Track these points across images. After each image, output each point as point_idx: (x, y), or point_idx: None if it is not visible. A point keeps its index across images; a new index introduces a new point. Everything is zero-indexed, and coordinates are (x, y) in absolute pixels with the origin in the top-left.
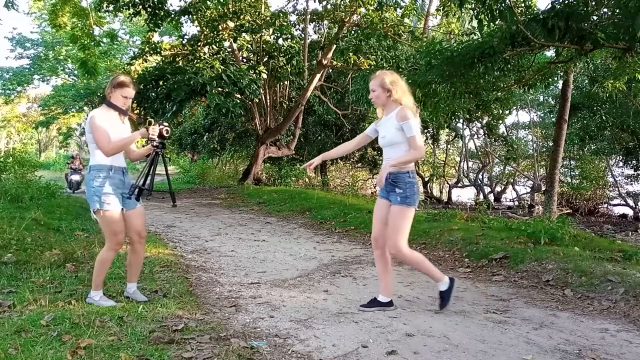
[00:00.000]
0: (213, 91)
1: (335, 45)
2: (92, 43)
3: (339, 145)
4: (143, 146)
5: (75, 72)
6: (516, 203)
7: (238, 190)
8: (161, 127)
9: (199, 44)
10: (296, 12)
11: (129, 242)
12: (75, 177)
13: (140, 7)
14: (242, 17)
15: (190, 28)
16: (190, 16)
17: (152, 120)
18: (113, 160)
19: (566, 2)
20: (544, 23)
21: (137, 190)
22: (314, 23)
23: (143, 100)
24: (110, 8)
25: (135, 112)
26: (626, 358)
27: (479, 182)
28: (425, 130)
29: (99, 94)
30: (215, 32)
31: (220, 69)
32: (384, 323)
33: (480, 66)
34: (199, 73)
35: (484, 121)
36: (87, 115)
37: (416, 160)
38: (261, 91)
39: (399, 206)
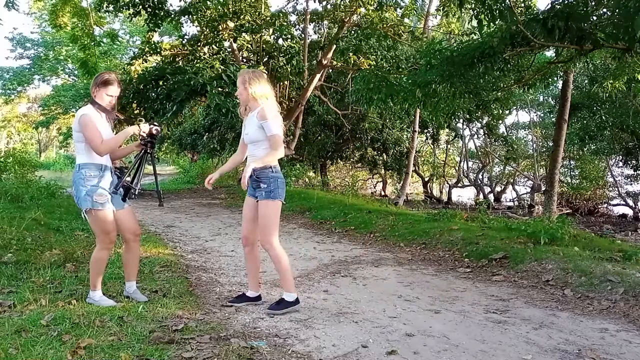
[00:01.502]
0: (213, 91)
1: (335, 45)
2: (92, 43)
3: (230, 159)
4: (127, 144)
5: (75, 72)
6: (516, 203)
7: (238, 190)
8: (151, 126)
9: (199, 44)
10: (296, 12)
11: (124, 242)
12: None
13: (140, 7)
14: (242, 17)
15: (190, 28)
16: (190, 16)
17: (143, 118)
18: (104, 159)
19: (566, 2)
20: (544, 23)
21: (124, 189)
22: (314, 23)
23: (143, 100)
24: (110, 8)
25: (136, 112)
26: (626, 358)
27: (479, 182)
28: (425, 130)
29: None
30: (215, 32)
31: (220, 69)
32: (384, 323)
33: (480, 66)
34: (199, 73)
35: (484, 121)
36: (77, 114)
37: (277, 158)
38: None
39: (265, 201)
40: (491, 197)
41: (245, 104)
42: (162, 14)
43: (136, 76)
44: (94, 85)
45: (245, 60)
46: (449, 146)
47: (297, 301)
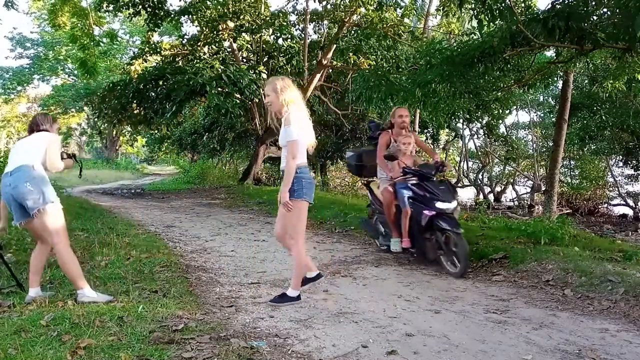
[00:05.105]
0: (213, 91)
1: (335, 45)
2: (92, 43)
3: None
4: None
5: (75, 72)
6: (516, 203)
7: (238, 190)
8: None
9: (199, 44)
10: (296, 12)
11: (40, 242)
12: (450, 205)
13: (140, 7)
14: (242, 17)
15: (190, 28)
16: (190, 16)
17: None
18: None
19: (566, 2)
20: (544, 23)
21: None
22: (314, 23)
23: (143, 100)
24: (110, 8)
25: (135, 111)
26: (626, 358)
27: (479, 182)
28: (425, 130)
29: (98, 93)
30: (215, 32)
31: (220, 69)
32: (384, 323)
33: (480, 66)
34: (199, 73)
35: (484, 121)
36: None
37: (296, 163)
38: (261, 91)
39: (291, 200)
40: (491, 197)
41: (276, 111)
42: (162, 13)
43: (136, 76)
44: (51, 123)
45: (245, 60)
46: (449, 146)
47: (298, 297)
